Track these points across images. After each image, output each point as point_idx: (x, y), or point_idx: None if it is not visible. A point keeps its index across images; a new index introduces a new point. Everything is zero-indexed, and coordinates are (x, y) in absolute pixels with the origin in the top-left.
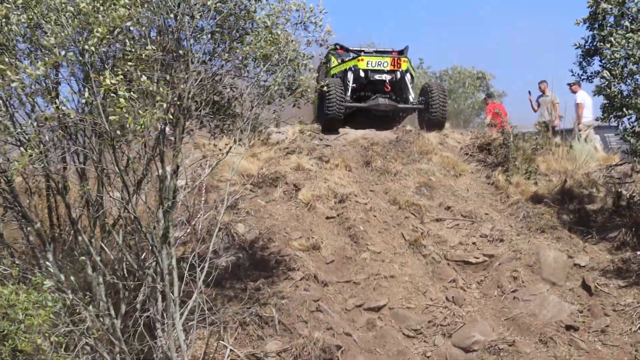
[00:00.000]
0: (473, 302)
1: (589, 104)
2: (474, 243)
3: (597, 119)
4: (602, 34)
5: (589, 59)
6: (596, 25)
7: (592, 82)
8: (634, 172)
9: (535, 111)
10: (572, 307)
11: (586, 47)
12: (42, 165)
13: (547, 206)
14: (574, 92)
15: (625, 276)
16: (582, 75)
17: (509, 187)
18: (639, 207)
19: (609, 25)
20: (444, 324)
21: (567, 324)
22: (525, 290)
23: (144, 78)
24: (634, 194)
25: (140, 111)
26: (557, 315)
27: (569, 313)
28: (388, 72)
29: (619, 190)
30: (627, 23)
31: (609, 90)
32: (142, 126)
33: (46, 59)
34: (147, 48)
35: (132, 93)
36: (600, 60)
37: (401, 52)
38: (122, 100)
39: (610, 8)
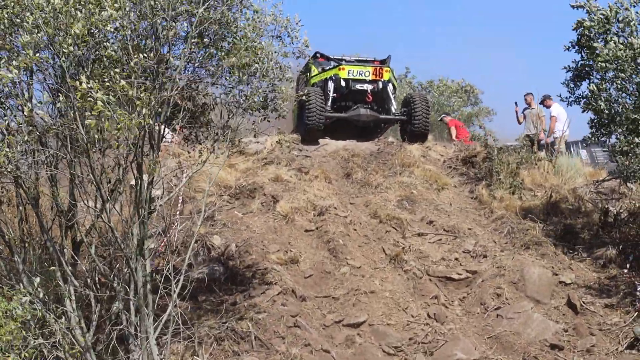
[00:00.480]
0: (455, 320)
1: (562, 117)
2: (456, 259)
3: (584, 137)
4: (590, 53)
5: (578, 81)
6: (583, 47)
7: (579, 104)
8: (621, 188)
9: (520, 123)
10: (557, 326)
11: (576, 70)
12: (11, 171)
13: (532, 222)
14: (548, 106)
15: (611, 294)
16: (570, 97)
17: (493, 201)
18: (626, 224)
19: (595, 41)
20: (425, 342)
21: (552, 343)
22: (509, 307)
23: (122, 82)
24: (621, 211)
25: (118, 115)
26: (542, 334)
27: (553, 332)
28: (370, 81)
29: (606, 206)
30: (614, 38)
31: (595, 104)
32: (120, 131)
33: (20, 59)
34: (135, 57)
35: (109, 97)
36: (589, 79)
37: (383, 62)
38: (99, 103)
39: (594, 27)
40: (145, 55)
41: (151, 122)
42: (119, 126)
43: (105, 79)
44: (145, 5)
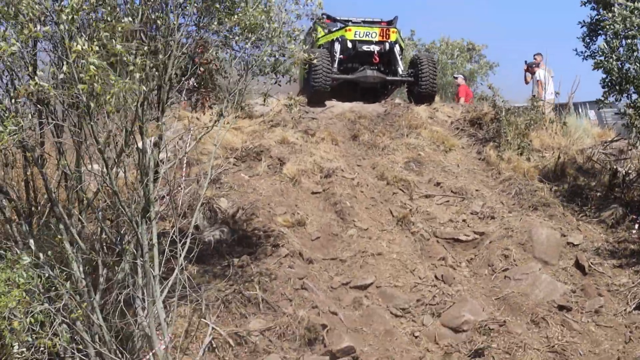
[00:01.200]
0: (463, 281)
1: (549, 81)
2: (464, 220)
3: (597, 100)
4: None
5: (593, 36)
6: (599, 2)
7: (595, 58)
8: (629, 148)
9: (527, 83)
10: (565, 287)
11: (590, 25)
12: (20, 137)
13: (540, 183)
14: (533, 72)
15: (620, 256)
16: (585, 52)
17: (500, 163)
18: (635, 184)
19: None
20: (432, 303)
21: (560, 304)
22: (516, 269)
23: (118, 47)
24: (629, 171)
25: (112, 78)
26: (550, 295)
27: (561, 293)
28: (376, 43)
29: (614, 167)
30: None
31: (606, 63)
32: (113, 96)
33: (25, 31)
34: (122, 21)
35: (103, 62)
36: (603, 35)
37: (390, 23)
38: (92, 67)
39: None
40: (131, 20)
41: (145, 88)
42: (112, 91)
43: (103, 45)
44: None
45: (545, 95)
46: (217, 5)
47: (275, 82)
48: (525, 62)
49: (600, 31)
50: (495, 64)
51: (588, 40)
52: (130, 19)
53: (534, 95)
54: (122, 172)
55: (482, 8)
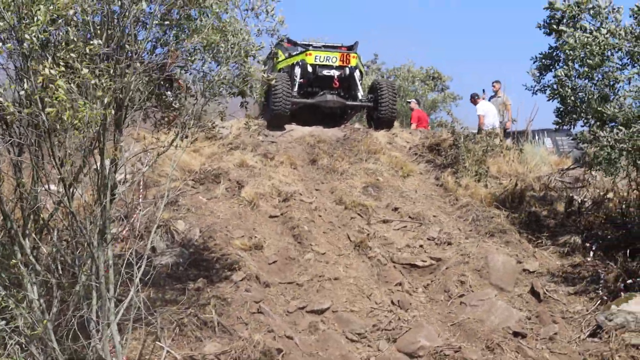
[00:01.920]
0: (419, 307)
1: (491, 112)
2: (421, 246)
3: (554, 124)
4: (560, 32)
5: (543, 71)
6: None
7: (545, 93)
8: (585, 177)
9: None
10: (521, 314)
11: (543, 58)
12: None
13: (497, 209)
14: (475, 104)
15: (575, 283)
16: (536, 86)
17: (458, 189)
18: (590, 212)
19: (565, 24)
20: (388, 329)
21: (515, 331)
22: (472, 295)
23: (85, 70)
24: (585, 199)
25: (80, 104)
26: (505, 322)
27: (517, 319)
28: (337, 67)
29: (571, 195)
30: (585, 24)
31: (562, 90)
32: (80, 121)
33: None
34: (91, 43)
35: (72, 85)
36: (556, 67)
37: (351, 48)
38: (60, 92)
39: (566, 10)
40: (99, 42)
41: (112, 111)
42: (79, 116)
43: (67, 64)
44: None
45: (486, 126)
46: (173, 22)
47: (242, 105)
48: (483, 90)
49: (556, 58)
50: (459, 96)
51: (538, 75)
52: (99, 41)
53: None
54: (79, 193)
55: (447, 33)
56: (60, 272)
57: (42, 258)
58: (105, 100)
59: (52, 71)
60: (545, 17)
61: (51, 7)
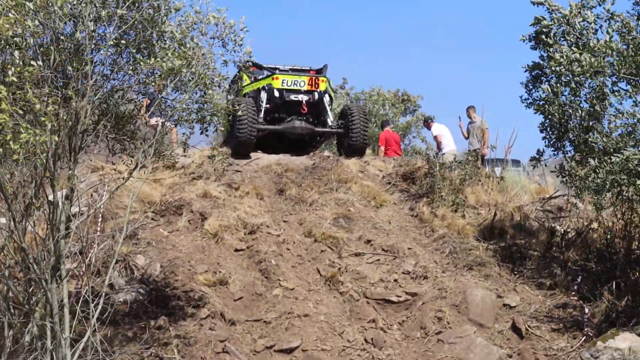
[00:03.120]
0: (394, 345)
1: (447, 134)
2: (395, 280)
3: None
4: (548, 49)
5: (536, 82)
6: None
7: (537, 104)
8: (568, 206)
9: (466, 138)
10: (501, 351)
11: (533, 69)
12: None
13: (475, 241)
14: (429, 127)
15: (558, 318)
16: (528, 99)
17: (434, 219)
18: (574, 244)
19: (552, 41)
20: None
21: None
22: (450, 332)
23: (30, 94)
24: (568, 230)
25: (23, 127)
26: None
27: (497, 357)
28: (305, 92)
29: (553, 225)
30: (571, 39)
31: (548, 106)
32: (22, 147)
33: None
34: (31, 64)
35: (17, 109)
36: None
37: (319, 71)
38: (5, 115)
39: (554, 25)
40: (40, 64)
41: (57, 138)
42: (20, 140)
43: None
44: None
45: (443, 149)
46: (130, 46)
47: (202, 132)
48: (459, 117)
49: (543, 73)
50: (432, 117)
51: (531, 87)
52: (40, 62)
53: (473, 150)
54: (30, 227)
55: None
56: (12, 311)
57: None
58: (49, 126)
59: None
60: (531, 32)
61: None
